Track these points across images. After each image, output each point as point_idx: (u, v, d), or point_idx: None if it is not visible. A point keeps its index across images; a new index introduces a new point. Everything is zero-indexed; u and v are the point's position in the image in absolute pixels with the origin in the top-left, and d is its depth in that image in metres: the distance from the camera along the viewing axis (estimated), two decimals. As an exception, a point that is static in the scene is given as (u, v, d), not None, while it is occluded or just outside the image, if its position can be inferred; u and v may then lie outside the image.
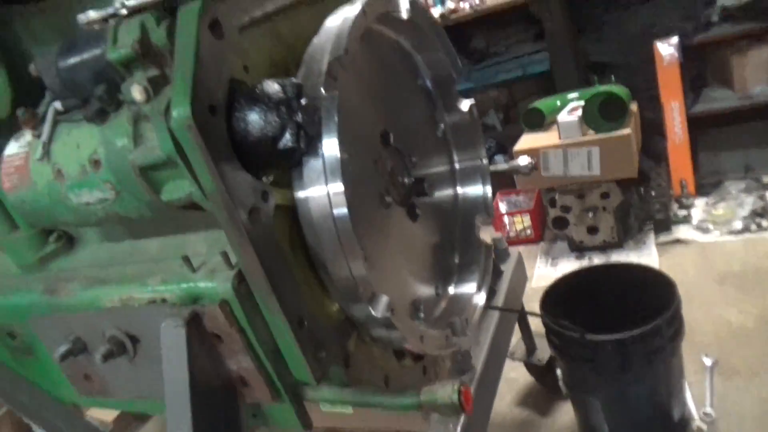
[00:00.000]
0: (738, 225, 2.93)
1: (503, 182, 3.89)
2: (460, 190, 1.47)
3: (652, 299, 1.99)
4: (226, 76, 0.80)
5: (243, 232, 0.80)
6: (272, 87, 0.79)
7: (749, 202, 3.00)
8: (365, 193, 1.05)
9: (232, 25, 0.82)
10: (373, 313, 0.94)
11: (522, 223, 3.58)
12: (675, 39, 3.17)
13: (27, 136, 1.09)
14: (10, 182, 1.11)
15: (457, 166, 1.43)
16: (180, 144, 0.77)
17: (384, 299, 0.95)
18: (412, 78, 1.32)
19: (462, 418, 1.22)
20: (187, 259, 0.97)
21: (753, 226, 2.90)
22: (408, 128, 1.20)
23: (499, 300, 2.02)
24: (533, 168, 1.36)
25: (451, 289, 1.44)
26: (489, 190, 1.47)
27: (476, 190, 1.46)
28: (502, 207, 3.72)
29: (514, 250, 2.18)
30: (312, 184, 0.89)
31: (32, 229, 1.22)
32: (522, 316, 2.26)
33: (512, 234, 3.61)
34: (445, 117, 1.35)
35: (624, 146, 2.88)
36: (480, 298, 1.42)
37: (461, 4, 3.86)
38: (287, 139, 0.79)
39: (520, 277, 2.14)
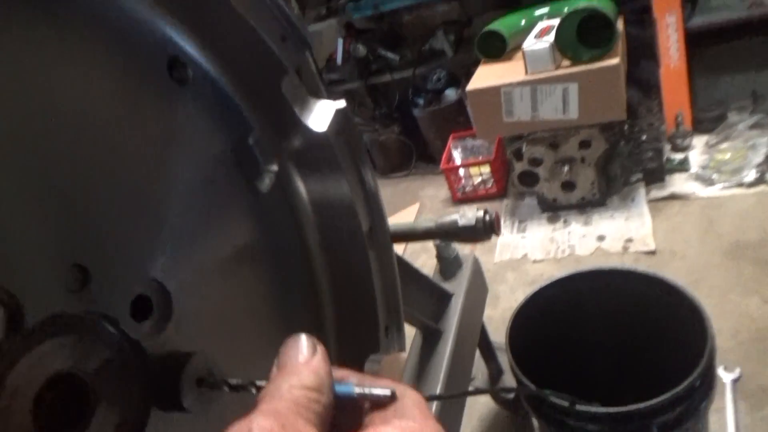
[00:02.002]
0: (750, 175, 2.32)
1: (455, 120, 3.19)
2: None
3: (666, 323, 1.39)
4: None
5: None
6: None
7: (763, 144, 2.37)
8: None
9: None
10: None
11: (480, 174, 2.90)
12: (673, -71, 2.41)
13: None
14: None
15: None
16: None
17: None
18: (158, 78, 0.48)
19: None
20: None
21: (769, 176, 2.30)
22: (154, 211, 0.47)
23: (449, 337, 1.39)
24: (492, 228, 0.66)
25: None
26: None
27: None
28: (456, 155, 3.03)
29: (468, 254, 1.53)
30: None
31: None
32: (483, 338, 1.65)
33: (468, 188, 2.95)
34: (283, 150, 0.56)
35: (611, 80, 2.19)
36: None
37: None
38: None
39: (478, 294, 1.50)
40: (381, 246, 0.57)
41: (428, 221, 0.70)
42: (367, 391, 0.37)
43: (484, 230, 0.66)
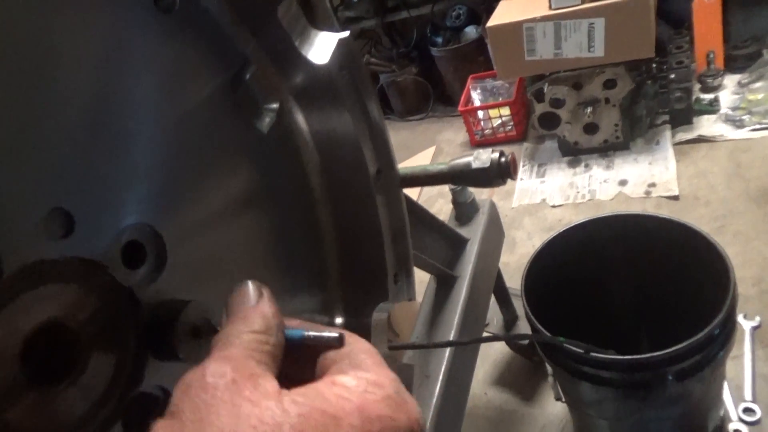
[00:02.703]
0: (784, 116, 2.22)
1: (475, 60, 3.08)
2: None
3: (687, 270, 1.35)
4: None
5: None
6: None
7: (799, 83, 2.25)
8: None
9: None
10: None
11: (500, 117, 2.82)
12: None
13: None
14: None
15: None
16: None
17: None
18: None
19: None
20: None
21: (803, 117, 2.19)
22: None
23: (463, 283, 1.37)
24: (507, 171, 0.62)
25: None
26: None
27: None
28: (475, 97, 2.94)
29: (485, 199, 1.49)
30: None
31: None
32: (498, 284, 1.63)
33: (487, 131, 2.87)
34: (282, 88, 0.51)
35: (640, 15, 2.07)
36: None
37: None
38: None
39: (494, 240, 1.47)
40: (389, 189, 0.53)
41: (441, 164, 0.66)
42: (315, 333, 0.37)
43: (500, 173, 0.61)
